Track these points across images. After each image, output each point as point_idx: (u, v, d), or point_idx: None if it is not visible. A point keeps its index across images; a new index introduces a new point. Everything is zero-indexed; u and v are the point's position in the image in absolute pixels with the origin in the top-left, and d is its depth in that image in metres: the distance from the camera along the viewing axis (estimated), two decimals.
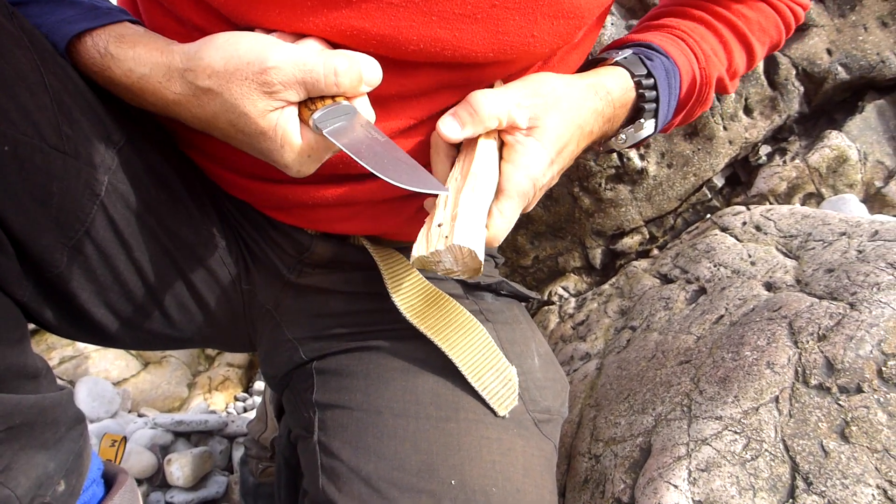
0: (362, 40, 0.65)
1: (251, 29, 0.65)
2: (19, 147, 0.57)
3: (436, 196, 0.67)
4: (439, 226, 0.62)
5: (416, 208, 0.85)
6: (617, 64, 0.80)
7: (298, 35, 0.65)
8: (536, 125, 0.69)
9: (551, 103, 0.70)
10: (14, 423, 0.61)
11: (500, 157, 0.70)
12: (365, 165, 0.58)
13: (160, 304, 0.81)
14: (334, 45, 0.65)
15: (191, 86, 0.61)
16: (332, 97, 0.62)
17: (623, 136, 0.83)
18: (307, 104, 0.62)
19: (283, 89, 0.59)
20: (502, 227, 0.66)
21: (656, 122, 0.83)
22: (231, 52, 0.59)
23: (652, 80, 0.79)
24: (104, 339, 0.81)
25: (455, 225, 0.60)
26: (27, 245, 0.62)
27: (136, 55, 0.62)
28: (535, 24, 0.68)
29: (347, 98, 0.62)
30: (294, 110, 0.62)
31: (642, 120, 0.81)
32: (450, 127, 0.69)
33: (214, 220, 0.84)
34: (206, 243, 0.82)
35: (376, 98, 0.66)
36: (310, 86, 0.60)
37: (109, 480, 0.87)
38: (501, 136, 0.71)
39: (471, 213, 0.62)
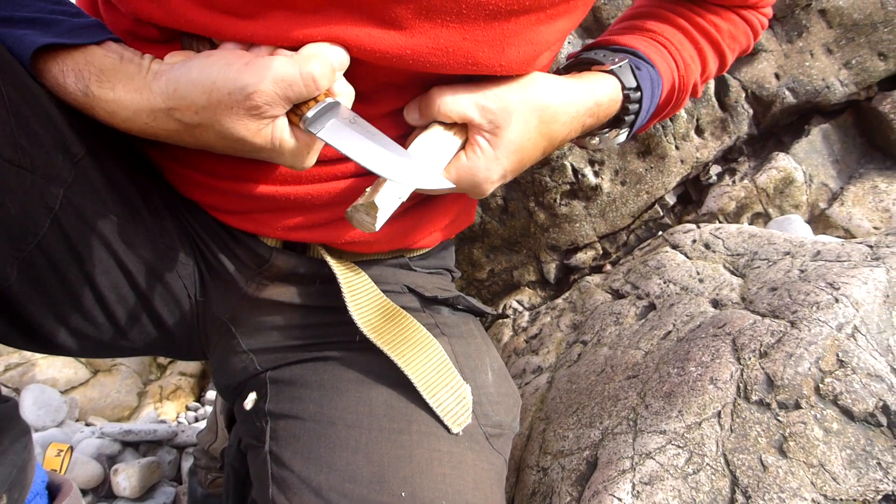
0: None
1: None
2: None
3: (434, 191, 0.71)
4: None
5: (398, 212, 0.86)
6: (611, 72, 0.82)
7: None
8: (496, 134, 0.72)
9: (519, 112, 0.73)
10: None
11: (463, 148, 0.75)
12: (363, 164, 0.62)
13: (112, 315, 0.79)
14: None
15: (180, 122, 0.63)
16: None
17: (597, 139, 0.86)
18: (293, 108, 0.65)
19: (269, 108, 0.62)
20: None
21: (630, 131, 0.86)
22: (209, 84, 0.60)
23: (639, 94, 0.82)
24: (53, 348, 0.80)
25: (377, 186, 0.66)
26: None
27: (116, 97, 0.62)
28: (502, 53, 0.70)
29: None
30: (284, 120, 0.65)
31: (619, 129, 0.85)
32: (409, 111, 0.76)
33: (172, 234, 0.83)
34: (162, 257, 0.81)
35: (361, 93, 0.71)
36: (293, 98, 0.62)
37: (53, 491, 0.86)
38: (467, 131, 0.75)
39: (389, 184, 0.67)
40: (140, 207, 0.78)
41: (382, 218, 0.66)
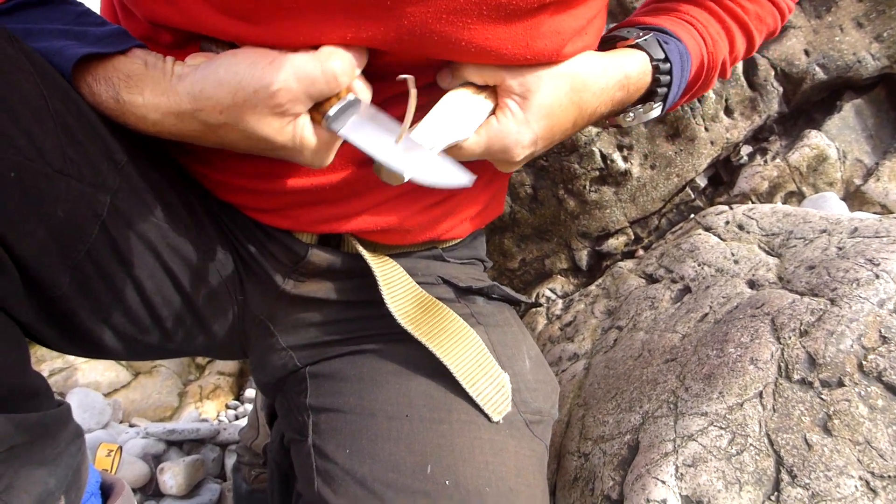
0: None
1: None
2: (24, 172, 0.57)
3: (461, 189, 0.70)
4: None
5: (429, 202, 0.87)
6: (637, 46, 0.82)
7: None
8: (526, 97, 0.72)
9: (550, 77, 0.73)
10: (16, 442, 0.61)
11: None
12: (384, 163, 0.63)
13: (158, 319, 0.81)
14: None
15: (205, 123, 0.64)
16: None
17: (631, 115, 0.86)
18: (314, 106, 0.66)
19: (292, 106, 0.63)
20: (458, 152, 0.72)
21: (664, 105, 0.86)
22: (234, 84, 0.61)
23: (668, 66, 0.81)
24: (100, 353, 0.81)
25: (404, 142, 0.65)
26: (30, 267, 0.62)
27: (145, 102, 0.64)
28: (527, 47, 0.70)
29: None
30: (306, 117, 0.66)
31: (653, 102, 0.84)
32: (441, 76, 0.75)
33: (212, 236, 0.85)
34: (203, 258, 0.83)
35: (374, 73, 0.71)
36: (315, 95, 0.64)
37: (106, 491, 0.88)
38: (497, 96, 0.75)
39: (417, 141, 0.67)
40: (181, 211, 0.80)
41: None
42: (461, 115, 0.72)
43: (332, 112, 0.64)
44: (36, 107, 0.59)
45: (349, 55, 0.65)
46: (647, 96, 0.84)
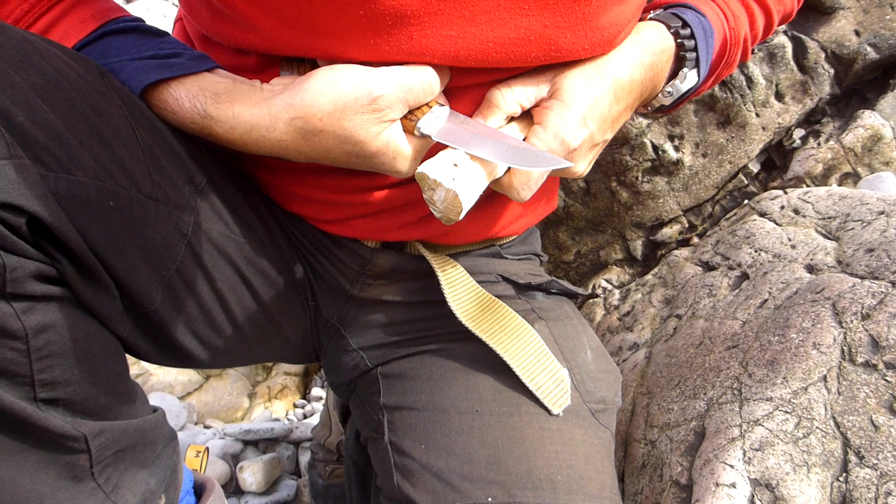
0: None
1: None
2: (121, 200, 0.62)
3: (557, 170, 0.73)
4: (455, 165, 0.68)
5: (485, 203, 0.89)
6: (651, 20, 0.84)
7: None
8: (556, 89, 0.75)
9: (571, 70, 0.75)
10: (121, 446, 0.66)
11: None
12: (485, 157, 0.67)
13: (240, 329, 0.86)
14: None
15: (300, 131, 0.67)
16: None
17: (669, 90, 0.87)
18: (406, 115, 0.71)
19: (390, 111, 0.67)
20: (516, 180, 0.73)
21: (698, 72, 0.85)
22: (336, 92, 0.66)
23: (689, 30, 0.82)
24: (188, 362, 0.87)
25: (464, 174, 0.68)
26: (127, 285, 0.66)
27: (235, 114, 0.68)
28: (585, 37, 0.73)
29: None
30: (399, 125, 0.70)
31: (685, 69, 0.84)
32: (487, 106, 0.76)
33: (283, 247, 0.89)
34: (278, 268, 0.88)
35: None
36: (412, 102, 0.68)
37: (198, 490, 0.93)
38: (533, 116, 0.76)
39: (478, 173, 0.69)
40: (255, 226, 0.84)
41: (466, 207, 0.69)
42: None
43: (425, 119, 0.69)
44: (126, 138, 0.64)
45: (436, 71, 0.70)
46: (678, 67, 0.85)
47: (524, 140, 0.74)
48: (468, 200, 0.68)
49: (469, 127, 0.70)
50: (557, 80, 0.75)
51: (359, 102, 0.65)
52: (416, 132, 0.70)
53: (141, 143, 0.66)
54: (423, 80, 0.68)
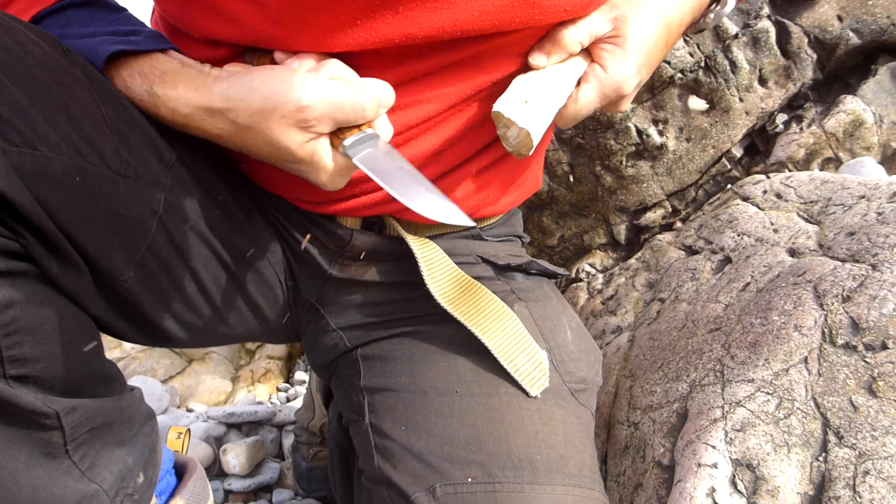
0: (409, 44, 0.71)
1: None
2: (88, 176, 0.62)
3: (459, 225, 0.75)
4: (525, 102, 0.73)
5: (467, 183, 0.90)
6: None
7: (322, 55, 0.72)
8: (619, 34, 0.78)
9: (631, 12, 0.78)
10: (96, 424, 0.66)
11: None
12: (391, 192, 0.67)
13: (214, 305, 0.86)
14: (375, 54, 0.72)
15: (233, 123, 0.68)
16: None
17: (711, 16, 0.91)
18: (335, 132, 0.70)
19: (316, 124, 0.67)
20: (572, 112, 0.80)
21: None
22: (268, 92, 0.66)
23: None
24: (164, 340, 0.87)
25: (535, 112, 0.73)
26: (98, 264, 0.66)
27: (177, 95, 0.69)
28: None
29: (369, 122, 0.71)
30: (326, 140, 0.70)
31: None
32: (537, 57, 0.79)
33: (260, 225, 0.90)
34: (254, 247, 0.88)
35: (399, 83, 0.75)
36: (340, 121, 0.68)
37: (180, 470, 0.93)
38: (591, 54, 0.81)
39: (548, 110, 0.75)
40: (230, 204, 0.84)
41: (536, 143, 0.74)
42: (552, 88, 0.78)
43: (347, 142, 0.69)
44: (93, 114, 0.64)
45: (377, 94, 0.69)
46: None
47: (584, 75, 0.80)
48: (538, 137, 0.73)
49: (393, 161, 0.70)
50: (619, 25, 0.78)
51: (286, 107, 0.66)
52: (340, 150, 0.70)
53: (107, 120, 0.66)
54: (355, 102, 0.67)
